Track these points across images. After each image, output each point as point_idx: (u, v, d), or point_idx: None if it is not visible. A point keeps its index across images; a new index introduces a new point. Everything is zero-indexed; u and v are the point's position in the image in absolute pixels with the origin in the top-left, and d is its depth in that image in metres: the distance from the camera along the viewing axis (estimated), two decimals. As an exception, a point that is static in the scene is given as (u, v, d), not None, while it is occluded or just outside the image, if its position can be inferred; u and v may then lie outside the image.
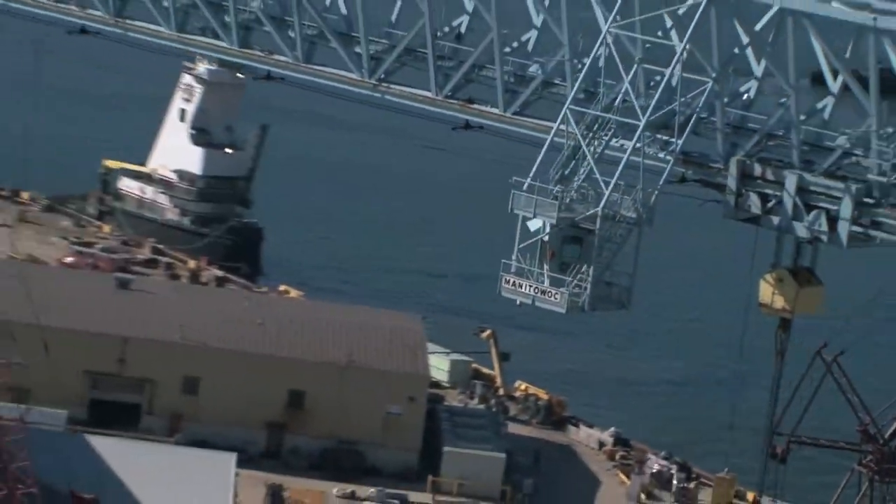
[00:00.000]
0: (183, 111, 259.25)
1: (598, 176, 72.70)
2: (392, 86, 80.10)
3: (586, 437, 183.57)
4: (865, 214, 70.79)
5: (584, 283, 73.72)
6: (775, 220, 72.10)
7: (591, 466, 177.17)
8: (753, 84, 73.37)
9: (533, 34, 76.44)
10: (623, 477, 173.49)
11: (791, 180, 70.82)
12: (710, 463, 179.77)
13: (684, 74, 74.21)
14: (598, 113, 73.81)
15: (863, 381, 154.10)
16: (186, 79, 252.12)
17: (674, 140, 73.32)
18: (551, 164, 74.63)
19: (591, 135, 73.73)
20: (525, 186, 72.47)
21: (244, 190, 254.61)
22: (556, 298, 73.11)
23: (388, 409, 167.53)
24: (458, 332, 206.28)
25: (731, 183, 71.64)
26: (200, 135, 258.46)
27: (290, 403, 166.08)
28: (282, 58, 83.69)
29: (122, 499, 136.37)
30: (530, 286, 73.54)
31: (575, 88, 73.68)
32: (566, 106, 73.57)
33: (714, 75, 72.72)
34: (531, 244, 74.02)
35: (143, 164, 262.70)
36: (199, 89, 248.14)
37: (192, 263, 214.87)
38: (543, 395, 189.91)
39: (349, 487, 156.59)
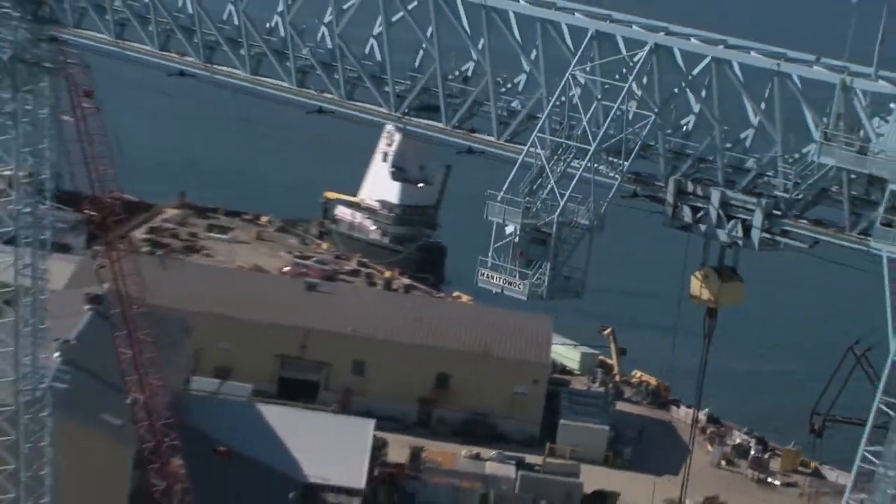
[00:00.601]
0: (385, 153, 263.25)
1: (556, 190, 72.73)
2: (413, 118, 79.33)
3: (685, 416, 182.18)
4: (774, 224, 70.82)
5: (543, 276, 73.88)
6: (703, 227, 72.70)
7: (686, 439, 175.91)
8: (692, 118, 73.06)
9: (522, 77, 76.75)
10: (709, 447, 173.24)
11: (715, 196, 71.64)
12: (784, 438, 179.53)
13: (632, 109, 74.18)
14: (559, 139, 74.21)
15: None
16: (388, 127, 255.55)
17: (623, 163, 73.66)
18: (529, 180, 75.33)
19: (555, 157, 74.20)
20: (498, 198, 73.26)
21: (432, 216, 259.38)
22: (519, 288, 73.61)
23: (516, 389, 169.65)
24: (588, 330, 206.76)
25: (669, 198, 72.16)
26: (398, 172, 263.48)
27: (438, 384, 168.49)
28: (329, 95, 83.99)
29: (279, 453, 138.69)
30: (500, 278, 74.08)
31: (543, 120, 73.91)
32: (534, 133, 73.96)
33: (656, 111, 72.78)
34: (504, 245, 74.43)
35: (354, 195, 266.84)
36: (398, 137, 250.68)
37: (387, 273, 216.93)
38: (653, 381, 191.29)
39: (476, 450, 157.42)
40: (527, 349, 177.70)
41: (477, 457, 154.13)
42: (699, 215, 73.57)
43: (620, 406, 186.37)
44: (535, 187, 75.02)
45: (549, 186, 74.51)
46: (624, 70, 75.55)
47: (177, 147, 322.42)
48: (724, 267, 77.69)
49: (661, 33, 74.44)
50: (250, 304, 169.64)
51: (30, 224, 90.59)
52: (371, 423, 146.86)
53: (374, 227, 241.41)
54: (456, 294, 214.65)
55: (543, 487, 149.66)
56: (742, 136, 74.41)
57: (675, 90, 75.32)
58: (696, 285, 77.25)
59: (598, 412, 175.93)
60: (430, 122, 79.54)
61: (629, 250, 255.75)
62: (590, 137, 73.76)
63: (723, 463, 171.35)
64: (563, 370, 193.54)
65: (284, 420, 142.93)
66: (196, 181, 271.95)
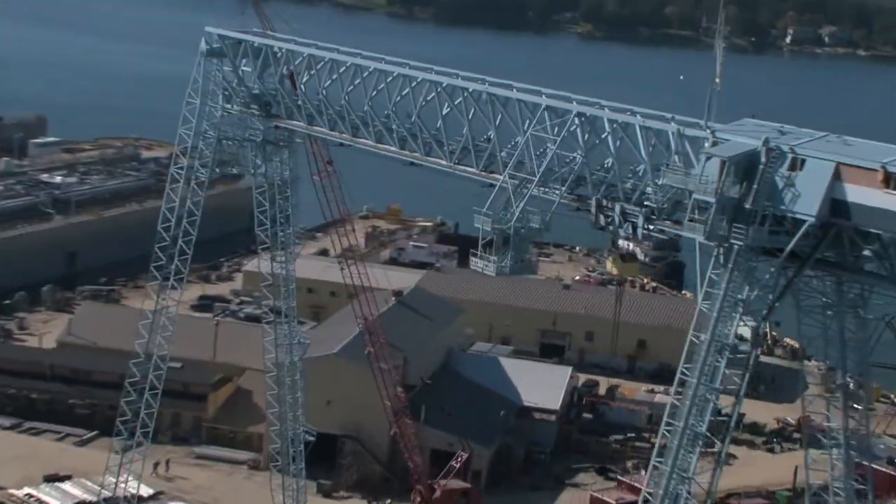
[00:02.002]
0: None
1: (513, 205, 73.01)
2: (458, 165, 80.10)
3: (813, 366, 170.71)
4: (652, 224, 70.24)
5: (507, 259, 73.93)
6: (611, 228, 71.94)
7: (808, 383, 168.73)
8: (610, 159, 72.44)
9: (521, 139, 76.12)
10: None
11: (618, 208, 71.07)
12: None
13: (574, 154, 73.74)
14: (522, 174, 74.60)
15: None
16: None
17: (562, 188, 73.59)
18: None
19: (520, 185, 74.45)
20: (483, 211, 73.58)
21: (676, 241, 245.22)
22: (490, 267, 73.65)
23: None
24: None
25: (593, 210, 71.88)
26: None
27: (639, 346, 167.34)
28: (365, 141, 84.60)
29: (506, 385, 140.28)
30: (481, 263, 74.25)
31: (511, 163, 74.38)
32: (505, 171, 74.47)
33: (581, 153, 72.50)
34: (486, 242, 74.58)
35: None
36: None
37: (645, 280, 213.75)
38: (796, 344, 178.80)
39: (653, 387, 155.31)
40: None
41: (651, 391, 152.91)
42: (609, 220, 72.54)
43: (769, 360, 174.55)
44: (506, 204, 74.72)
45: (516, 204, 74.24)
46: (559, 129, 74.57)
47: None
48: (627, 254, 77.13)
49: (585, 106, 73.52)
50: (525, 297, 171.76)
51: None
52: (568, 369, 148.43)
53: (641, 251, 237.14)
54: (687, 294, 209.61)
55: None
56: (636, 168, 72.66)
57: (597, 141, 73.93)
58: (610, 265, 76.86)
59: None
60: (468, 168, 78.76)
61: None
62: (536, 172, 73.44)
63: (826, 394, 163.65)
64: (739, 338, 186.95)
65: (516, 367, 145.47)
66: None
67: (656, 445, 69.99)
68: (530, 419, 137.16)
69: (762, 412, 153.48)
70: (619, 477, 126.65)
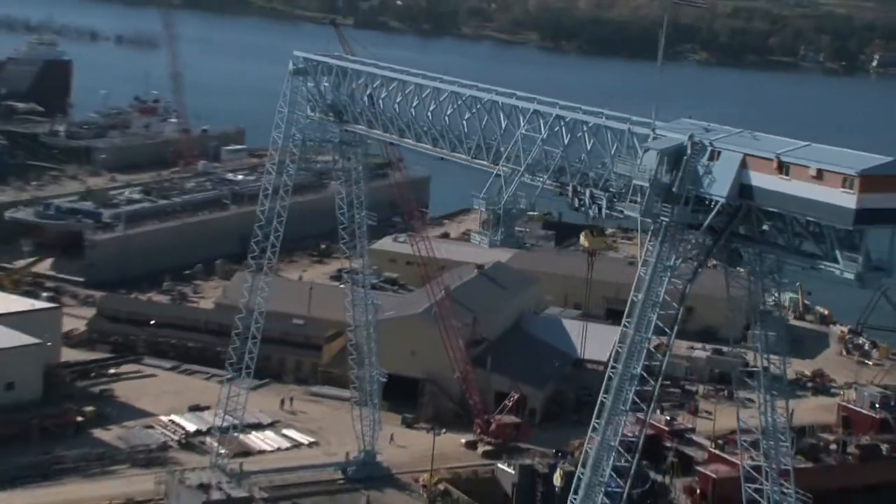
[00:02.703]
0: None
1: (504, 189, 72.51)
2: (475, 158, 78.61)
3: (836, 330, 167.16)
4: (612, 206, 69.06)
5: (499, 234, 73.36)
6: (583, 209, 70.87)
7: (832, 346, 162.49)
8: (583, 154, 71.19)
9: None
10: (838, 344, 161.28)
11: (588, 193, 69.95)
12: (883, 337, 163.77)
13: (553, 150, 72.76)
14: (514, 166, 73.81)
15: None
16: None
17: (544, 177, 72.63)
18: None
19: (511, 174, 73.68)
20: (481, 195, 73.01)
21: None
22: (485, 240, 73.18)
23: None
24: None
25: (570, 194, 70.83)
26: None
27: (688, 312, 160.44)
28: (408, 140, 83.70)
29: (565, 341, 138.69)
30: (478, 238, 73.89)
31: (504, 156, 73.61)
32: (500, 164, 73.86)
33: (562, 150, 71.61)
34: (484, 221, 73.99)
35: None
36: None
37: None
38: (826, 311, 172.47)
39: (693, 344, 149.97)
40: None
41: (691, 348, 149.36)
42: (581, 203, 71.27)
43: (800, 324, 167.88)
44: (499, 189, 73.91)
45: (506, 189, 73.48)
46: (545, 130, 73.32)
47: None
48: (595, 227, 75.64)
49: (565, 110, 72.30)
50: (596, 272, 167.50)
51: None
52: (618, 328, 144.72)
53: None
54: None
55: (718, 363, 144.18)
56: (603, 160, 70.72)
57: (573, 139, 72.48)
58: (583, 238, 75.72)
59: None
60: (483, 161, 77.37)
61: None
62: (522, 163, 72.57)
63: (843, 352, 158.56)
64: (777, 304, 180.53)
65: (577, 327, 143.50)
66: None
67: (655, 393, 68.20)
68: (583, 369, 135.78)
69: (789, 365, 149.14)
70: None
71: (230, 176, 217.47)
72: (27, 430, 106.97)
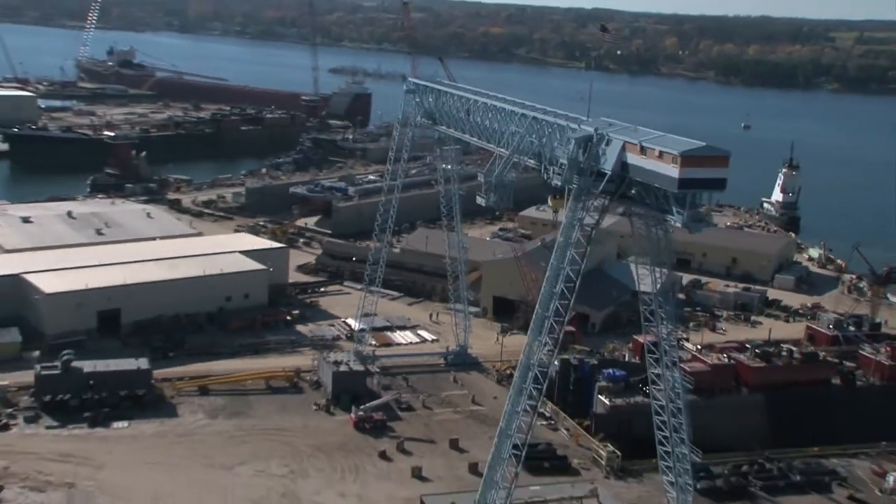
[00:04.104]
0: (780, 178, 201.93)
1: (497, 165, 69.92)
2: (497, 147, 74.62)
3: (848, 278, 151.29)
4: (567, 180, 65.32)
5: (493, 197, 71.02)
6: (551, 182, 67.96)
7: (843, 289, 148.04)
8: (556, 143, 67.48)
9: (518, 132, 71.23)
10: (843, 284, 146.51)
11: (552, 170, 66.50)
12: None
13: (532, 139, 69.51)
14: (505, 150, 71.15)
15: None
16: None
17: (526, 158, 69.52)
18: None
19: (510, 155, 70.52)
20: (483, 171, 70.60)
21: (795, 203, 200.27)
22: (484, 200, 71.10)
23: (763, 262, 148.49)
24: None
25: (543, 173, 67.99)
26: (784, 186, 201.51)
27: (732, 261, 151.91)
28: (470, 138, 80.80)
29: (628, 275, 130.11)
30: (480, 199, 71.49)
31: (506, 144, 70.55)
32: (498, 148, 71.40)
33: (537, 138, 68.50)
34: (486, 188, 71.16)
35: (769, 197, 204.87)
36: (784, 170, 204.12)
37: (774, 227, 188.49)
38: (843, 263, 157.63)
39: (731, 283, 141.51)
40: (772, 247, 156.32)
41: (727, 287, 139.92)
42: (549, 177, 67.70)
43: (820, 271, 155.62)
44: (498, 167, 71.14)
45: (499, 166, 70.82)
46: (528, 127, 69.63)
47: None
48: (559, 194, 71.98)
49: (538, 113, 69.44)
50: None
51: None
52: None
53: (774, 209, 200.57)
54: (791, 234, 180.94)
55: (742, 297, 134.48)
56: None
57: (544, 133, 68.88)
58: (550, 201, 72.26)
59: (800, 271, 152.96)
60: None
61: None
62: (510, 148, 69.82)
63: (844, 292, 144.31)
64: (809, 258, 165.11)
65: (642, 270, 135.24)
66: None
67: (567, 314, 64.97)
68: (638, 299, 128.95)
69: (799, 299, 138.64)
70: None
71: (443, 167, 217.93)
72: (253, 323, 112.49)
